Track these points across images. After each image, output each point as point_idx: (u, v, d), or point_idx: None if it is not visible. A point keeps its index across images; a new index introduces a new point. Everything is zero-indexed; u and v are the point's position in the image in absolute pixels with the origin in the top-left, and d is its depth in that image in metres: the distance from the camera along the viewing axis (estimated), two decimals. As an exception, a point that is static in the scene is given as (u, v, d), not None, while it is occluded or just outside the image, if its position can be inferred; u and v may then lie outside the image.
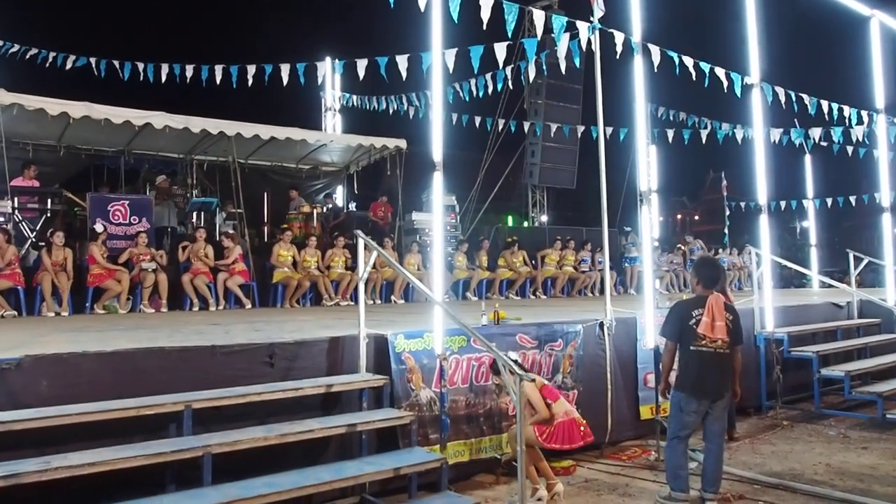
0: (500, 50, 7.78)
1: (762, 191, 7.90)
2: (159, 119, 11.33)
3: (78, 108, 10.71)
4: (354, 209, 15.59)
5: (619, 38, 6.83)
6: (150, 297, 10.09)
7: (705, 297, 5.19)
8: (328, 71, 15.95)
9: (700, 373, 5.08)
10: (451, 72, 8.24)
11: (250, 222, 12.91)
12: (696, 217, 48.91)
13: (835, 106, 10.17)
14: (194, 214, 11.97)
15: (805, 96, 9.73)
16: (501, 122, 15.25)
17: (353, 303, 11.49)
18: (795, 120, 14.62)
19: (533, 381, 5.23)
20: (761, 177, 7.83)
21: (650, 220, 7.71)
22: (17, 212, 10.50)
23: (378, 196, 15.01)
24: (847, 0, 9.56)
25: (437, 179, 5.54)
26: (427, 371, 5.52)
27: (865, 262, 10.18)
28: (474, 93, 11.86)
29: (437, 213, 5.76)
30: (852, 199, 16.84)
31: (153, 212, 11.30)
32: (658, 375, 6.41)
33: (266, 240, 13.53)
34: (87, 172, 13.66)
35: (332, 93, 16.59)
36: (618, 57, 6.87)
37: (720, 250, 18.24)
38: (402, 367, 5.44)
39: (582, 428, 5.37)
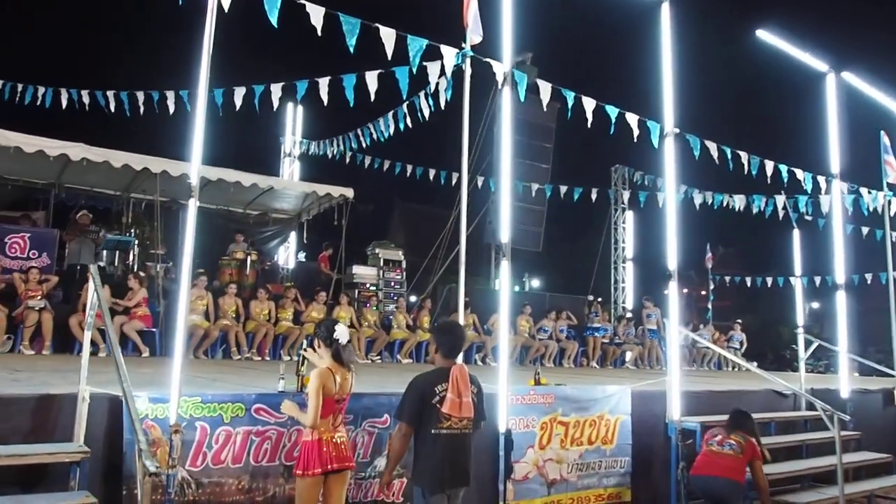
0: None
1: (671, 256, 6.91)
2: (76, 151, 10.77)
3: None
4: (304, 259, 14.91)
5: (496, 67, 6.05)
6: (32, 337, 9.33)
7: (448, 368, 4.39)
8: (290, 115, 15.59)
9: (444, 460, 4.28)
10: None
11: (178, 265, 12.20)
12: (703, 293, 47.11)
13: (783, 168, 9.17)
14: (105, 253, 11.24)
15: (744, 154, 8.75)
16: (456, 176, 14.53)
17: (269, 358, 10.72)
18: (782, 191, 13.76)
19: (330, 369, 4.45)
20: (671, 238, 6.88)
21: (675, 297, 7.17)
22: None
23: (326, 247, 14.26)
24: (804, 56, 8.75)
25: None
26: (182, 445, 4.54)
27: (815, 345, 9.01)
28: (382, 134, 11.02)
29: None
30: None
31: (55, 247, 10.61)
32: (507, 465, 5.39)
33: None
34: (22, 204, 13.14)
35: (293, 138, 16.07)
36: (500, 88, 6.08)
37: (701, 326, 17.11)
38: (139, 438, 4.48)
39: (334, 454, 4.41)
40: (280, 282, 13.42)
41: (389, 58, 5.48)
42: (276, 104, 7.82)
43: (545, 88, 6.84)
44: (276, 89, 7.81)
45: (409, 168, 14.46)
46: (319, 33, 5.14)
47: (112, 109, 10.91)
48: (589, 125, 6.97)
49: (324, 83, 7.11)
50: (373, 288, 13.34)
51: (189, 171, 11.23)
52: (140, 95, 10.42)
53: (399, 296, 13.35)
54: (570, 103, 6.80)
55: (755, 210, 14.10)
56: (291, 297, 11.64)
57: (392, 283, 13.56)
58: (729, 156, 8.55)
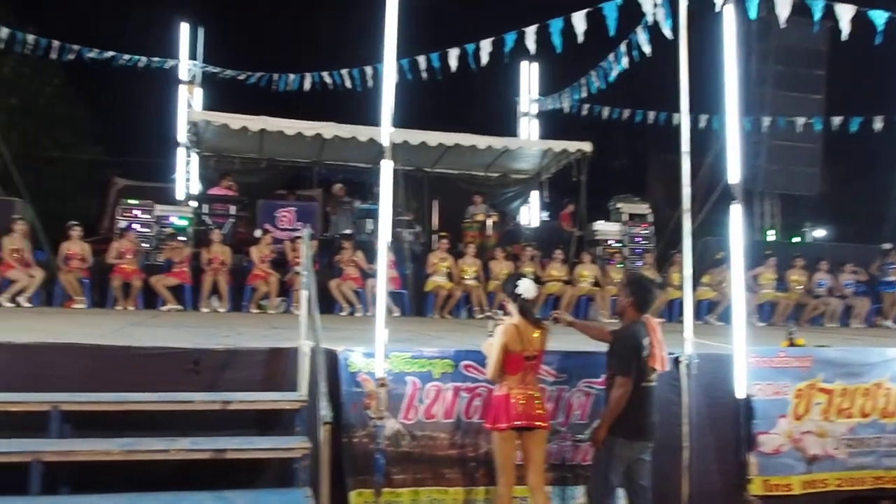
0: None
1: None
2: (328, 129, 11.72)
3: (255, 122, 11.51)
4: (547, 218, 14.75)
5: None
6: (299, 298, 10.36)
7: (644, 322, 4.48)
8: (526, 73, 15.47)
9: (648, 412, 4.44)
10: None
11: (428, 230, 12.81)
12: None
13: None
14: (359, 222, 12.09)
15: None
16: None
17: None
18: None
19: (516, 325, 4.43)
20: None
21: None
22: (207, 216, 11.60)
23: (566, 205, 13.94)
24: None
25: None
26: (393, 398, 4.66)
27: None
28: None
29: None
30: None
31: (318, 218, 11.65)
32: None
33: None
34: (294, 182, 14.67)
35: (529, 97, 15.86)
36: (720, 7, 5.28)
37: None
38: (356, 391, 4.64)
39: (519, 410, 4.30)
40: (522, 242, 13.42)
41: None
42: (484, 60, 7.66)
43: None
44: (486, 45, 7.66)
45: (651, 115, 13.46)
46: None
47: (350, 86, 11.56)
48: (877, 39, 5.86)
49: (530, 32, 6.80)
50: (617, 245, 12.79)
51: (427, 140, 11.97)
52: (368, 70, 10.93)
53: (646, 251, 12.62)
54: (819, 15, 5.70)
55: None
56: (528, 256, 11.56)
57: (638, 239, 12.87)
58: None
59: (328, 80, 12.01)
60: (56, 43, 12.17)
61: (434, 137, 12.20)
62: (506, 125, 16.27)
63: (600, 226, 12.96)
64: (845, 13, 5.66)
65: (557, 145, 12.84)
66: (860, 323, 11.91)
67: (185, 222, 11.30)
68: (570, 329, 4.99)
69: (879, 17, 5.56)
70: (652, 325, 4.49)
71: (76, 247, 9.97)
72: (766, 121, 14.19)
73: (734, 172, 5.48)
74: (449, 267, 11.05)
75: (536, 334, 4.47)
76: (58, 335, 5.02)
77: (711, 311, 11.61)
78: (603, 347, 4.70)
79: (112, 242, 10.33)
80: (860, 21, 5.81)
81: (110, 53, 12.66)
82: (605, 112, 14.01)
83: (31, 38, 11.99)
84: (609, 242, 12.74)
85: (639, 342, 4.35)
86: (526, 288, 4.48)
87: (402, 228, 12.24)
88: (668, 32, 6.42)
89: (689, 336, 5.47)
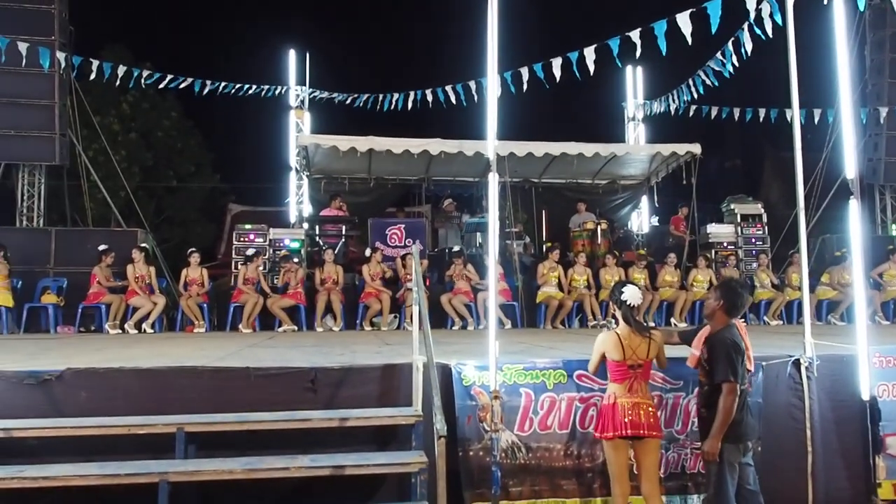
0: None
1: None
2: (434, 146, 11.99)
3: (363, 143, 11.92)
4: (657, 223, 14.46)
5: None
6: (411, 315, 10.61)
7: (736, 326, 4.39)
8: (631, 77, 15.24)
9: (747, 413, 4.40)
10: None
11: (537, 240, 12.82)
12: None
13: None
14: (468, 236, 12.28)
15: None
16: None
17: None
18: None
19: (617, 334, 4.45)
20: None
21: None
22: (319, 238, 12.12)
23: (678, 209, 13.61)
24: None
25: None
26: (508, 410, 4.72)
27: None
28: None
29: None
30: None
31: (427, 234, 11.93)
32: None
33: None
34: (404, 200, 15.08)
35: (635, 101, 15.61)
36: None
37: None
38: (470, 404, 4.72)
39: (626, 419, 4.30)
40: (634, 248, 13.22)
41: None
42: (590, 67, 7.66)
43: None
44: (590, 52, 7.65)
45: (762, 112, 12.97)
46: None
47: (455, 102, 11.79)
48: None
49: (635, 35, 6.77)
50: (731, 246, 12.38)
51: (533, 150, 12.01)
52: (472, 84, 11.13)
53: (761, 252, 12.14)
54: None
55: None
56: (643, 263, 11.41)
57: (752, 240, 12.41)
58: None
59: (430, 97, 12.33)
60: (170, 76, 13.01)
61: (540, 148, 12.27)
62: (613, 131, 16.15)
63: (713, 228, 12.64)
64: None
65: (666, 149, 12.58)
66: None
67: (297, 244, 11.83)
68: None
69: None
70: (742, 328, 4.43)
71: (195, 273, 10.63)
72: (884, 111, 13.35)
73: (850, 167, 5.26)
74: (559, 277, 11.04)
75: (643, 343, 4.42)
76: (180, 359, 5.29)
77: (833, 310, 11.05)
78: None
79: (241, 267, 10.90)
80: None
81: (222, 83, 13.44)
82: (714, 112, 13.56)
83: (146, 72, 12.80)
84: (724, 244, 12.35)
85: (739, 345, 4.28)
86: (631, 294, 4.45)
87: (511, 240, 12.34)
88: (769, 28, 6.21)
89: (808, 338, 5.29)
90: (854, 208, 5.33)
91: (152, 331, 10.06)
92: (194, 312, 10.36)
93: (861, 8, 5.72)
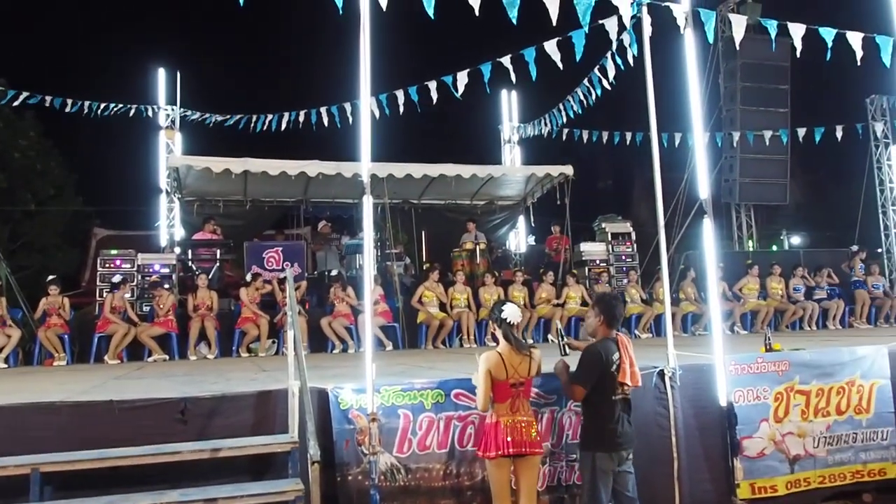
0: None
1: None
2: (312, 167, 11.87)
3: (237, 164, 11.63)
4: (534, 242, 14.96)
5: (676, 9, 5.50)
6: (291, 339, 10.41)
7: (615, 339, 4.57)
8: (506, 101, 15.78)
9: (619, 422, 4.50)
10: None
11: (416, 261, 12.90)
12: None
13: None
14: (348, 258, 12.22)
15: None
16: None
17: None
18: None
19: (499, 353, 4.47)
20: None
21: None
22: (192, 262, 11.67)
23: (552, 228, 14.14)
24: None
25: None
26: (386, 432, 4.73)
27: None
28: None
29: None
30: None
31: (305, 256, 11.76)
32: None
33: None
34: (281, 222, 14.78)
35: (510, 124, 16.17)
36: (682, 32, 5.52)
37: None
38: (347, 428, 4.71)
39: (509, 438, 4.37)
40: (511, 267, 13.57)
41: (554, 23, 5.22)
42: (461, 90, 7.90)
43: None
44: (463, 76, 7.90)
45: (629, 136, 13.76)
46: (477, 13, 5.07)
47: (328, 124, 11.78)
48: (827, 56, 6.12)
49: (506, 61, 7.06)
50: (603, 263, 12.99)
51: (412, 172, 12.14)
52: (348, 107, 11.16)
53: (631, 269, 12.82)
54: (774, 33, 5.97)
55: None
56: (520, 281, 11.72)
57: (623, 257, 13.07)
58: None
59: (303, 118, 12.23)
60: (26, 93, 12.21)
61: (419, 169, 12.40)
62: (491, 153, 16.59)
63: (586, 246, 13.19)
64: (798, 31, 5.92)
65: (540, 170, 13.06)
66: (836, 324, 12.21)
67: (168, 270, 11.34)
68: (555, 350, 5.04)
69: (828, 34, 5.81)
70: (623, 341, 4.58)
71: (55, 302, 9.96)
72: (737, 135, 14.52)
73: (704, 187, 5.68)
74: (439, 297, 11.16)
75: (523, 361, 4.49)
76: (37, 394, 4.99)
77: (696, 322, 11.80)
78: None
79: (107, 295, 10.33)
80: (814, 37, 6.08)
81: (86, 102, 12.75)
82: (586, 135, 14.25)
83: (-1, 88, 11.85)
84: (596, 262, 12.92)
85: (605, 358, 4.43)
86: (511, 313, 4.51)
87: (391, 261, 12.39)
88: (630, 58, 6.64)
89: (671, 349, 5.62)
90: (708, 226, 5.74)
91: (5, 365, 9.34)
92: (53, 344, 9.70)
93: (710, 40, 6.18)
